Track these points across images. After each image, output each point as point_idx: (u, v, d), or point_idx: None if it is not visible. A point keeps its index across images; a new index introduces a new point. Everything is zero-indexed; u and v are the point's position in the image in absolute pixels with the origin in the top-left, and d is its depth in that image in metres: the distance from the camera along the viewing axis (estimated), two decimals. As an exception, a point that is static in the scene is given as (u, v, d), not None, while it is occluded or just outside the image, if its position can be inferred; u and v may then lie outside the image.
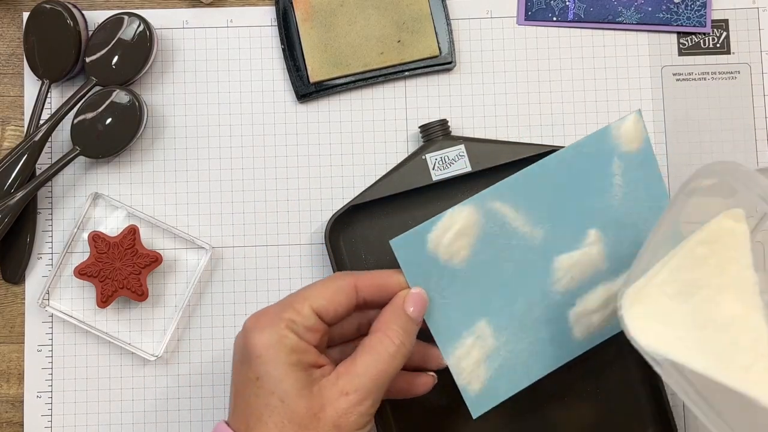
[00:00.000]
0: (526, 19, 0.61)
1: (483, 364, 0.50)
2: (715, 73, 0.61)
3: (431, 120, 0.59)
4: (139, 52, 0.58)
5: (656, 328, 0.44)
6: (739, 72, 0.61)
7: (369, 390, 0.44)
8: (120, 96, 0.57)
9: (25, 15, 0.59)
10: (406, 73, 0.60)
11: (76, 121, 0.58)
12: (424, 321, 0.48)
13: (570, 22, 0.61)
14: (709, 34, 0.61)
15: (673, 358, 0.43)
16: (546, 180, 0.50)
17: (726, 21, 0.61)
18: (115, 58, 0.58)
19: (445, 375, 0.51)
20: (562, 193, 0.50)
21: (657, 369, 0.43)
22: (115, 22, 0.58)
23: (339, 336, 0.50)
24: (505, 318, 0.50)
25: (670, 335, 0.43)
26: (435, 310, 0.49)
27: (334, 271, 0.56)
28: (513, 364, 0.51)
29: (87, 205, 0.58)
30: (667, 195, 0.52)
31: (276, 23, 0.60)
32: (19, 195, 0.57)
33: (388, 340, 0.45)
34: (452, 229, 0.48)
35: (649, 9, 0.61)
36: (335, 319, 0.46)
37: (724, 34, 0.61)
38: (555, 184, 0.50)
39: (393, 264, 0.58)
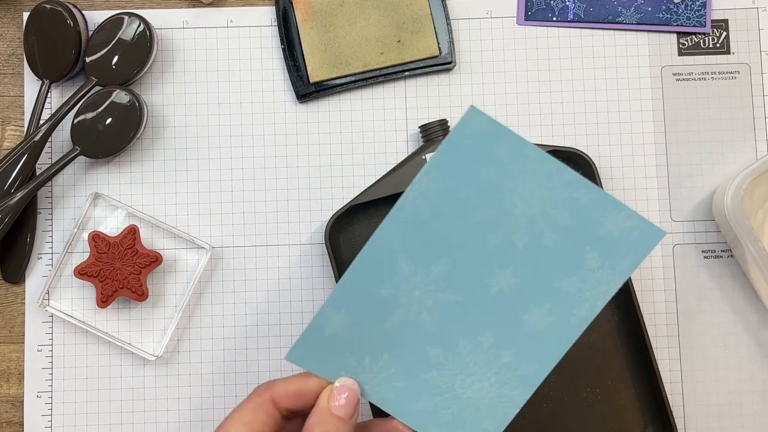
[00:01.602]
0: (526, 19, 0.61)
1: (454, 410, 0.46)
2: (714, 73, 0.61)
3: (431, 120, 0.59)
4: (139, 52, 0.58)
5: None
6: (738, 72, 0.61)
7: None
8: (120, 96, 0.57)
9: (25, 15, 0.59)
10: (406, 73, 0.60)
11: (76, 121, 0.58)
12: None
13: (570, 22, 0.61)
14: (708, 34, 0.61)
15: None
16: (418, 221, 0.44)
17: (726, 21, 0.61)
18: (115, 58, 0.58)
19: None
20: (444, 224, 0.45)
21: None
22: (115, 22, 0.58)
23: None
24: (455, 362, 0.46)
25: None
26: (374, 389, 0.45)
27: (334, 272, 0.56)
28: (490, 397, 0.47)
29: (87, 205, 0.58)
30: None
31: (276, 23, 0.60)
32: (19, 195, 0.57)
33: None
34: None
35: (649, 9, 0.61)
36: None
37: (724, 34, 0.61)
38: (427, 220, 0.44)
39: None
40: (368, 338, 0.45)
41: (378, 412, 0.51)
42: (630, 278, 0.56)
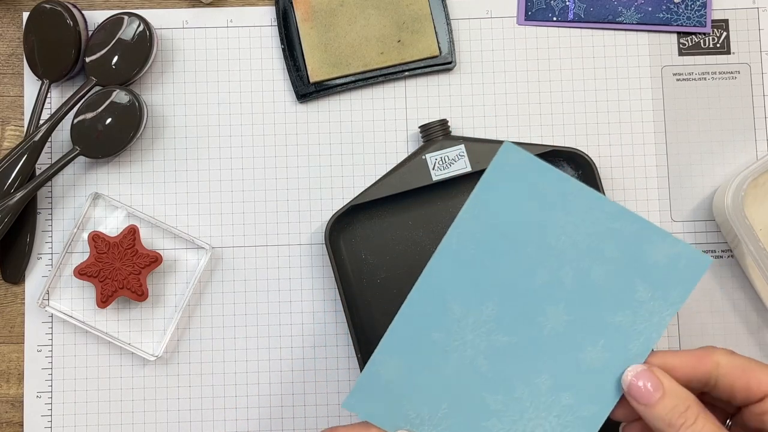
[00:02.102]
0: (526, 19, 0.61)
1: None
2: (715, 73, 0.61)
3: (431, 120, 0.59)
4: (139, 52, 0.58)
5: None
6: (739, 72, 0.61)
7: None
8: (120, 96, 0.57)
9: (25, 15, 0.59)
10: (406, 73, 0.60)
11: (76, 121, 0.58)
12: None
13: (570, 22, 0.61)
14: (709, 34, 0.61)
15: None
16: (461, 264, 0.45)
17: (726, 21, 0.61)
18: (115, 58, 0.58)
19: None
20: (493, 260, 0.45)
21: None
22: (115, 22, 0.58)
23: None
24: (514, 408, 0.45)
25: None
26: None
27: (334, 272, 0.56)
28: None
29: (87, 205, 0.58)
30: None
31: (276, 23, 0.60)
32: (19, 195, 0.57)
33: None
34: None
35: (649, 9, 0.61)
36: None
37: (724, 34, 0.61)
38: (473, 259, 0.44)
39: (393, 264, 0.58)
40: (425, 386, 0.44)
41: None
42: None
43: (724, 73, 0.61)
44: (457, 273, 0.44)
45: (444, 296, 0.44)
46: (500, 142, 0.58)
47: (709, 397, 0.44)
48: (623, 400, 0.44)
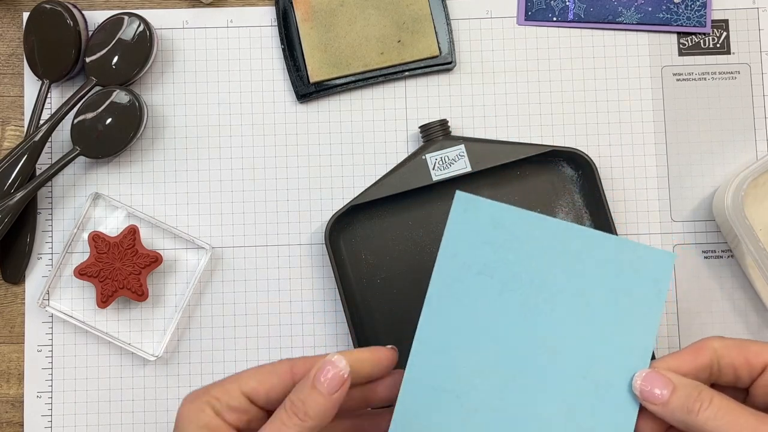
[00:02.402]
0: (526, 19, 0.61)
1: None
2: (715, 73, 0.61)
3: (431, 120, 0.59)
4: (139, 52, 0.58)
5: None
6: (739, 72, 0.61)
7: None
8: (120, 96, 0.57)
9: (25, 15, 0.59)
10: (406, 73, 0.60)
11: (76, 121, 0.58)
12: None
13: (570, 22, 0.61)
14: (709, 34, 0.61)
15: None
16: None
17: (726, 21, 0.61)
18: (115, 58, 0.58)
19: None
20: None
21: None
22: (115, 22, 0.58)
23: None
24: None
25: None
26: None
27: (334, 272, 0.56)
28: None
29: (87, 205, 0.58)
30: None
31: (276, 23, 0.60)
32: (19, 195, 0.57)
33: (282, 410, 0.43)
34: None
35: (649, 9, 0.61)
36: (270, 401, 0.44)
37: (724, 34, 0.61)
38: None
39: (393, 264, 0.58)
40: None
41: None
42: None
43: (724, 73, 0.61)
44: (450, 323, 0.45)
45: (445, 348, 0.45)
46: (501, 142, 0.58)
47: (719, 387, 0.44)
48: (643, 412, 0.44)
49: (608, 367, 0.45)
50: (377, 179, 0.57)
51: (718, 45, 0.61)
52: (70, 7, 0.58)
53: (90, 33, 0.59)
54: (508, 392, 0.45)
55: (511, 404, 0.45)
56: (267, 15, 0.61)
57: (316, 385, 0.43)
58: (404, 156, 0.60)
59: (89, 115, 0.57)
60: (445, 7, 0.60)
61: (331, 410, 0.43)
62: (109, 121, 0.57)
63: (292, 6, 0.60)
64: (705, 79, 0.61)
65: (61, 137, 0.60)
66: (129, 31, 0.58)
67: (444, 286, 0.46)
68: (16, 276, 0.59)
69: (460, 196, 0.46)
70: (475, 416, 0.45)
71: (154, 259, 0.57)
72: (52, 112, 0.58)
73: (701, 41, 0.61)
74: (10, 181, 0.57)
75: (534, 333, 0.45)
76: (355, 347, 0.56)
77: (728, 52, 0.61)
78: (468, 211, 0.46)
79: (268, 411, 0.45)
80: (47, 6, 0.58)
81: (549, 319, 0.45)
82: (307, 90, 0.60)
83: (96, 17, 0.60)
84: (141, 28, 0.58)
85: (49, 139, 0.59)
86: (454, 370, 0.45)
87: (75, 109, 0.58)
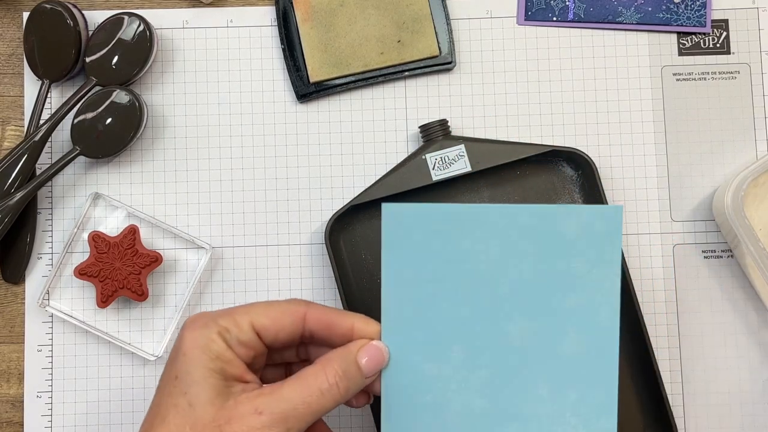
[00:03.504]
0: (526, 19, 0.61)
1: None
2: (715, 73, 0.61)
3: (431, 120, 0.59)
4: (139, 52, 0.58)
5: None
6: (739, 72, 0.61)
7: (285, 417, 0.41)
8: (120, 96, 0.57)
9: (25, 15, 0.59)
10: (406, 73, 0.60)
11: (76, 121, 0.58)
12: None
13: (570, 22, 0.61)
14: (709, 34, 0.61)
15: None
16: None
17: (726, 21, 0.61)
18: (115, 58, 0.58)
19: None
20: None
21: None
22: (115, 22, 0.58)
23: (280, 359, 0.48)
24: (534, 427, 0.45)
25: None
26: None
27: (334, 272, 0.56)
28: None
29: (87, 205, 0.58)
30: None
31: (276, 23, 0.60)
32: (19, 195, 0.57)
33: (324, 376, 0.43)
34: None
35: (649, 9, 0.61)
36: (275, 341, 0.44)
37: (724, 34, 0.61)
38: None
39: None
40: None
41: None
42: (630, 278, 0.56)
43: (724, 73, 0.61)
44: (409, 336, 0.45)
45: (412, 362, 0.45)
46: (501, 142, 0.58)
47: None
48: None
49: (579, 336, 0.45)
50: (377, 179, 0.57)
51: (718, 45, 0.61)
52: (70, 7, 0.58)
53: (90, 33, 0.59)
54: (487, 387, 0.45)
55: (495, 399, 0.45)
56: (267, 15, 0.61)
57: (359, 361, 0.43)
58: (404, 156, 0.60)
59: (89, 115, 0.57)
60: (445, 7, 0.60)
61: (359, 390, 0.44)
62: (109, 121, 0.57)
63: (292, 6, 0.60)
64: (705, 79, 0.61)
65: (61, 137, 0.60)
66: (129, 31, 0.58)
67: (396, 302, 0.45)
68: (16, 276, 0.59)
69: (387, 208, 0.45)
70: (465, 423, 0.45)
71: (154, 259, 0.57)
72: (52, 112, 0.58)
73: (701, 41, 0.61)
74: (10, 181, 0.57)
75: (498, 324, 0.45)
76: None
77: (728, 52, 0.61)
78: (399, 222, 0.45)
79: (270, 349, 0.44)
80: (47, 6, 0.58)
81: (509, 304, 0.45)
82: (307, 90, 0.60)
83: (96, 17, 0.60)
84: (141, 28, 0.58)
85: (49, 139, 0.59)
86: (430, 382, 0.45)
87: (75, 109, 0.58)
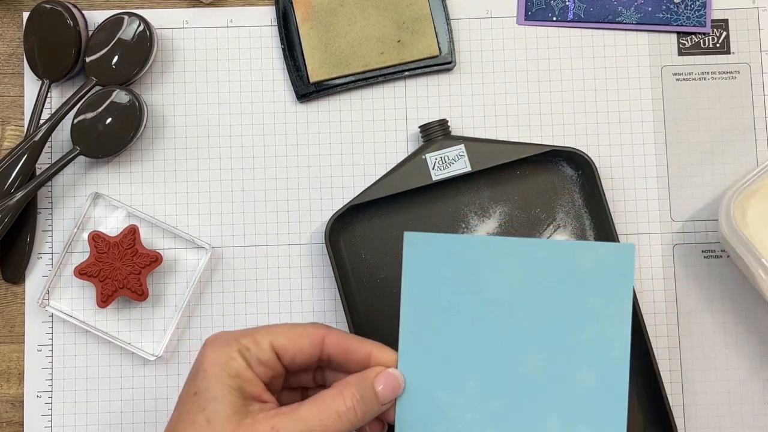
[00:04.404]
0: (526, 19, 0.61)
1: None
2: (714, 73, 0.61)
3: (431, 120, 0.59)
4: (139, 52, 0.58)
5: None
6: (739, 72, 0.61)
7: None
8: (120, 96, 0.57)
9: (25, 15, 0.59)
10: (406, 73, 0.60)
11: (76, 121, 0.58)
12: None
13: (570, 22, 0.61)
14: (709, 34, 0.61)
15: None
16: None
17: (726, 21, 0.61)
18: (115, 58, 0.58)
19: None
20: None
21: None
22: (115, 22, 0.58)
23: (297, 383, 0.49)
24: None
25: None
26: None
27: (334, 272, 0.56)
28: None
29: (87, 205, 0.58)
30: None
31: (276, 23, 0.60)
32: (19, 195, 0.57)
33: (341, 399, 0.43)
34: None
35: (649, 9, 0.61)
36: (293, 363, 0.45)
37: (724, 34, 0.61)
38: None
39: (393, 263, 0.58)
40: None
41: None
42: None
43: (723, 73, 0.61)
44: (425, 365, 0.45)
45: (428, 390, 0.45)
46: (501, 142, 0.58)
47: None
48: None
49: (591, 369, 0.46)
50: (377, 179, 0.57)
51: (717, 45, 0.61)
52: (70, 7, 0.58)
53: (90, 33, 0.59)
54: (501, 418, 0.45)
55: (507, 429, 0.45)
56: (267, 15, 0.61)
57: (376, 387, 0.44)
58: (404, 156, 0.60)
59: (89, 115, 0.57)
60: (445, 6, 0.60)
61: (374, 417, 0.44)
62: (109, 120, 0.57)
63: (292, 6, 0.60)
64: (705, 78, 0.61)
65: (61, 137, 0.60)
66: (129, 31, 0.58)
67: (414, 331, 0.46)
68: (16, 276, 0.59)
69: (409, 237, 0.46)
70: None
71: (154, 259, 0.57)
72: (52, 112, 0.58)
73: (701, 41, 0.61)
74: (10, 181, 0.57)
75: (513, 355, 0.46)
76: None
77: (728, 52, 0.61)
78: (421, 251, 0.46)
79: (288, 370, 0.45)
80: (47, 6, 0.58)
81: (525, 336, 0.46)
82: (307, 90, 0.60)
83: (96, 17, 0.60)
84: (141, 28, 0.58)
85: (49, 139, 0.59)
86: (444, 410, 0.45)
87: (75, 109, 0.58)
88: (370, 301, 0.58)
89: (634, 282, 0.46)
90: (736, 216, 0.53)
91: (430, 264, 0.46)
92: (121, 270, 0.57)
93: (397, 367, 0.46)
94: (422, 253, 0.46)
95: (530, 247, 0.46)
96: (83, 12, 0.60)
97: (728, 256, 0.60)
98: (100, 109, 0.57)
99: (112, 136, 0.58)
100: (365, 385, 0.44)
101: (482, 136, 0.60)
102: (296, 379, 0.48)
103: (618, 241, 0.57)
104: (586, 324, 0.46)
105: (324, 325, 0.46)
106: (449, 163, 0.57)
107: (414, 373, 0.46)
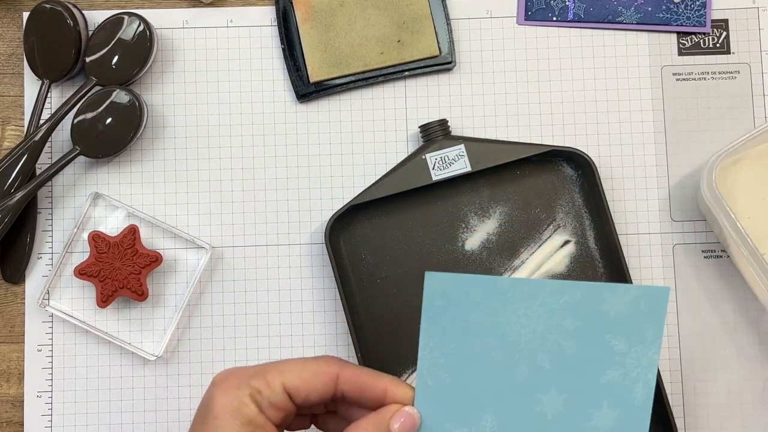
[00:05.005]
0: (526, 19, 0.61)
1: None
2: (714, 73, 0.61)
3: (431, 120, 0.59)
4: (139, 52, 0.58)
5: None
6: (738, 72, 0.61)
7: None
8: (120, 96, 0.57)
9: (25, 15, 0.59)
10: (406, 73, 0.60)
11: (76, 121, 0.58)
12: None
13: (570, 21, 0.61)
14: (709, 34, 0.61)
15: None
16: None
17: (726, 21, 0.61)
18: (115, 58, 0.58)
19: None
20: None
21: None
22: (115, 22, 0.58)
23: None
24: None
25: None
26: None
27: (334, 272, 0.56)
28: None
29: (87, 205, 0.58)
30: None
31: (276, 23, 0.60)
32: (19, 195, 0.57)
33: None
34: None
35: (649, 9, 0.61)
36: (306, 402, 0.44)
37: (724, 34, 0.61)
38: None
39: (393, 263, 0.58)
40: None
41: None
42: (630, 279, 0.56)
43: (723, 72, 0.61)
44: (442, 403, 0.45)
45: (443, 426, 0.45)
46: (501, 142, 0.58)
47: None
48: None
49: (612, 411, 0.45)
50: (377, 179, 0.57)
51: (717, 45, 0.61)
52: (70, 7, 0.58)
53: (90, 33, 0.59)
54: None
55: None
56: (267, 15, 0.61)
57: (392, 429, 0.43)
58: (404, 156, 0.60)
59: (89, 115, 0.57)
60: (445, 6, 0.60)
61: None
62: (109, 120, 0.57)
63: (292, 6, 0.60)
64: (705, 78, 0.61)
65: (61, 137, 0.60)
66: (129, 31, 0.58)
67: (432, 368, 0.45)
68: (16, 276, 0.59)
69: (431, 277, 0.45)
70: None
71: (154, 259, 0.57)
72: (52, 112, 0.58)
73: (701, 41, 0.61)
74: (10, 181, 0.57)
75: (533, 395, 0.45)
76: (355, 347, 0.56)
77: (728, 52, 0.61)
78: (441, 290, 0.45)
79: (300, 408, 0.44)
80: (47, 6, 0.58)
81: (546, 377, 0.45)
82: (307, 90, 0.60)
83: (96, 17, 0.60)
84: (141, 28, 0.58)
85: (49, 139, 0.59)
86: None
87: (75, 109, 0.58)
88: (370, 301, 0.58)
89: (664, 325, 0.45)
90: (717, 181, 0.54)
91: (450, 303, 0.45)
92: (121, 270, 0.57)
93: (413, 404, 0.45)
94: (443, 293, 0.45)
95: (557, 290, 0.45)
96: (83, 12, 0.60)
97: (728, 256, 0.60)
98: (100, 109, 0.57)
99: (112, 136, 0.58)
100: (380, 427, 0.43)
101: (482, 136, 0.60)
102: (306, 408, 0.47)
103: (618, 241, 0.57)
104: (611, 366, 0.45)
105: (337, 360, 0.45)
106: (449, 163, 0.57)
107: (430, 410, 0.45)
